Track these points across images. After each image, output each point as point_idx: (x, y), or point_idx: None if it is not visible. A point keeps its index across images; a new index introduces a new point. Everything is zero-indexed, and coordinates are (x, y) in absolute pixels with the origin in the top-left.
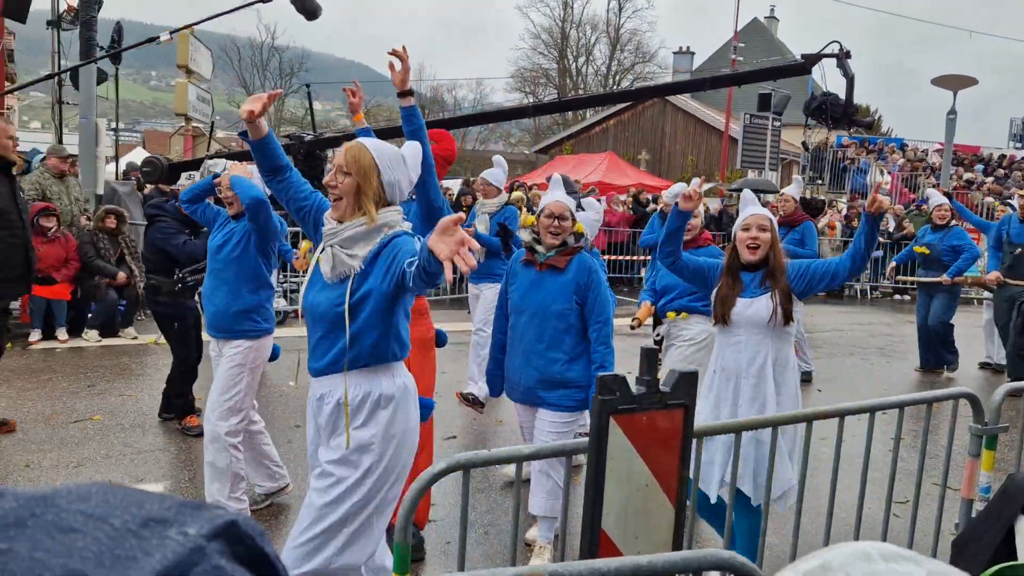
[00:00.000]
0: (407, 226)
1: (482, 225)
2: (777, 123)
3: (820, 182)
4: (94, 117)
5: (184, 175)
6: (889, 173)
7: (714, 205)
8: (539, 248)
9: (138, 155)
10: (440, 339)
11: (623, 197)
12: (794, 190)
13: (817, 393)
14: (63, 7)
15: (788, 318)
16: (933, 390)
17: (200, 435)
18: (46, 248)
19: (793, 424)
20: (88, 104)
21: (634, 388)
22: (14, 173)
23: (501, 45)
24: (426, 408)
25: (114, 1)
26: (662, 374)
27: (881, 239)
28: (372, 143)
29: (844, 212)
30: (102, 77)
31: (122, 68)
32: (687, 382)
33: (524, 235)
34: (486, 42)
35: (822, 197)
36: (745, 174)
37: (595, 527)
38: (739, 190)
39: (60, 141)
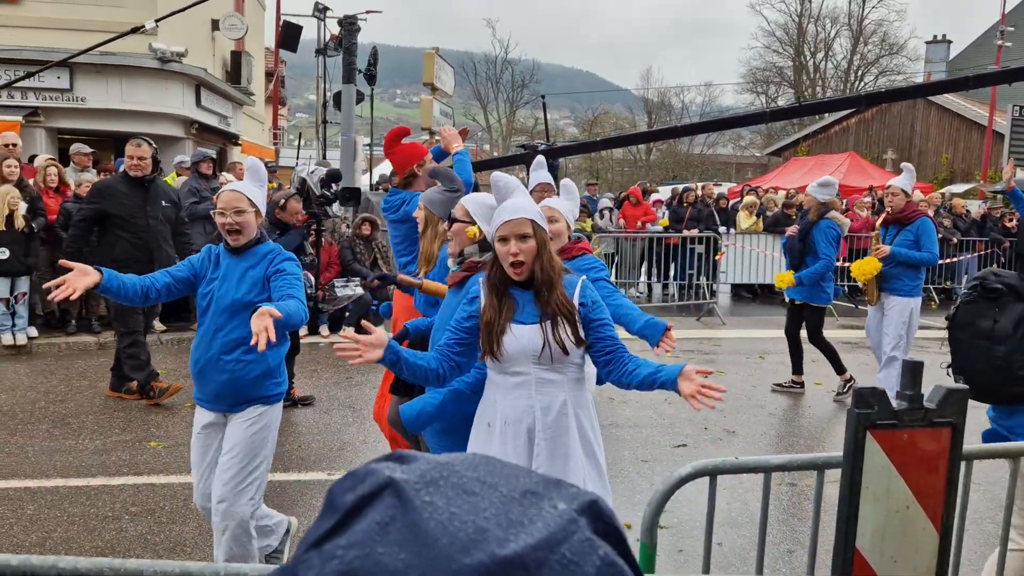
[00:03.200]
0: None
1: None
2: None
3: None
4: (353, 135)
5: None
6: None
7: (974, 209)
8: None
9: (387, 167)
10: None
11: (867, 200)
12: (904, 181)
13: None
14: (327, 36)
15: (578, 341)
16: None
17: (294, 404)
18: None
19: None
20: (348, 123)
21: (895, 403)
22: (147, 186)
23: (731, 45)
24: None
25: (369, 28)
26: None
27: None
28: None
29: None
30: (360, 98)
31: (365, 86)
32: (956, 399)
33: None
34: (715, 43)
35: None
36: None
37: (849, 545)
38: (1003, 192)
39: (324, 157)
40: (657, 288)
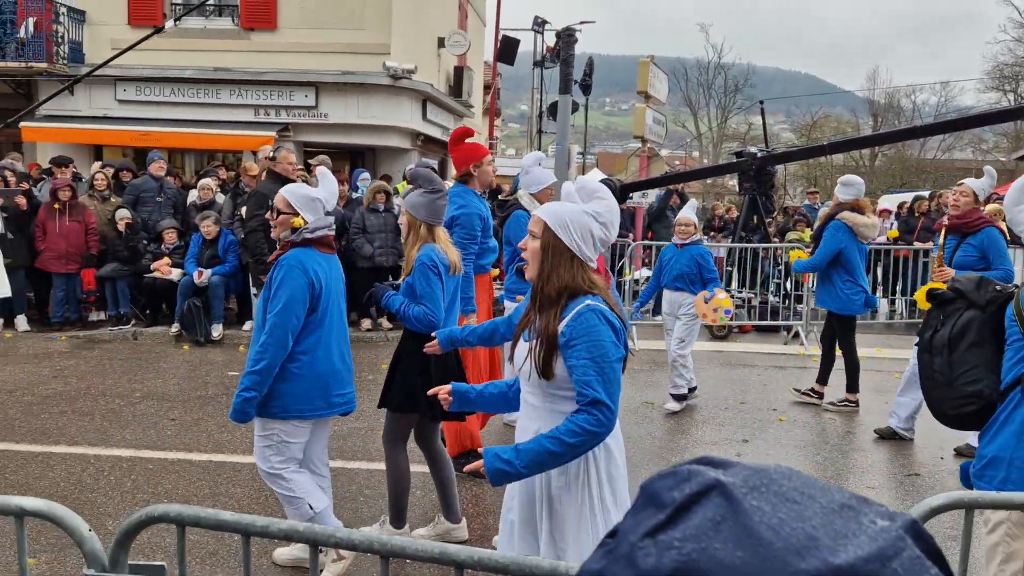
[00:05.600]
0: None
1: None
2: None
3: None
4: (567, 144)
5: (639, 194)
6: None
7: None
8: None
9: (595, 175)
10: None
11: None
12: (981, 184)
13: None
14: (544, 48)
15: (545, 373)
16: None
17: None
18: None
19: None
20: (563, 133)
21: None
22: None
23: (974, 40)
24: None
25: (581, 38)
26: None
27: None
28: None
29: None
30: (574, 108)
31: (580, 96)
32: None
33: None
34: (954, 38)
35: None
36: None
37: None
38: None
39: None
40: (883, 304)
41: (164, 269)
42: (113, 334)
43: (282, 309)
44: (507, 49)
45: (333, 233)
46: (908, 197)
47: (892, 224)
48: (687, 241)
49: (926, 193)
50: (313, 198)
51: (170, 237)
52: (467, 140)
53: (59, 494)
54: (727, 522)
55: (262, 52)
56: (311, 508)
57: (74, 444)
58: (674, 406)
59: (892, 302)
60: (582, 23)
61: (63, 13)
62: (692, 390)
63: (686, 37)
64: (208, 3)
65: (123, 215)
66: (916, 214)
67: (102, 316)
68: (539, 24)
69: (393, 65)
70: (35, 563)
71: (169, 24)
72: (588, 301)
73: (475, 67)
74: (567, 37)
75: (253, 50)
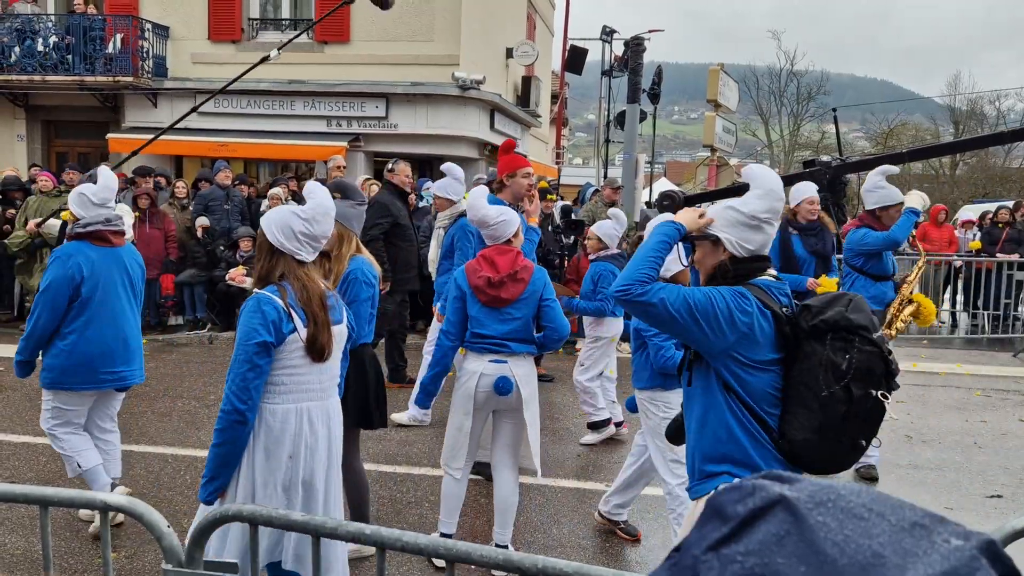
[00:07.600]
0: None
1: (435, 241)
2: None
3: None
4: (635, 153)
5: (707, 204)
6: None
7: None
8: None
9: (663, 185)
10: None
11: None
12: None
13: None
14: (612, 58)
15: None
16: None
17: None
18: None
19: None
20: (631, 142)
21: None
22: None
23: None
24: None
25: (650, 46)
26: None
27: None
28: None
29: None
30: (642, 117)
31: (648, 105)
32: None
33: None
34: None
35: None
36: None
37: None
38: None
39: (606, 176)
40: (963, 319)
41: (239, 278)
42: (190, 338)
43: (43, 291)
44: (575, 59)
45: (112, 228)
46: (991, 207)
47: (975, 235)
48: (594, 257)
49: (1010, 203)
50: (81, 194)
51: (245, 245)
52: (511, 152)
53: (138, 491)
54: (791, 537)
55: (335, 64)
56: (79, 466)
57: (153, 443)
58: (590, 438)
59: (974, 316)
60: (651, 32)
61: (148, 29)
62: (619, 424)
63: (757, 44)
64: (284, 18)
65: (202, 222)
66: (999, 224)
67: (180, 320)
68: (607, 33)
69: (462, 76)
70: (116, 557)
71: (274, 54)
72: (257, 290)
73: (543, 77)
74: (635, 46)
75: (326, 63)
